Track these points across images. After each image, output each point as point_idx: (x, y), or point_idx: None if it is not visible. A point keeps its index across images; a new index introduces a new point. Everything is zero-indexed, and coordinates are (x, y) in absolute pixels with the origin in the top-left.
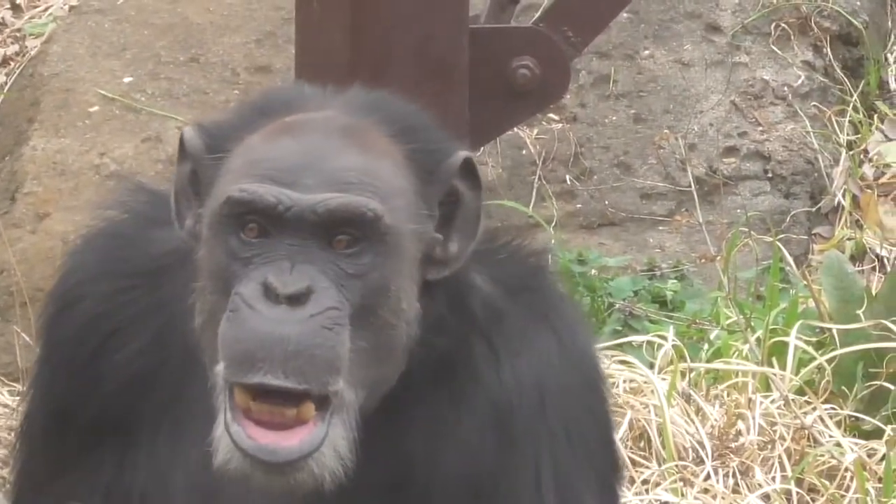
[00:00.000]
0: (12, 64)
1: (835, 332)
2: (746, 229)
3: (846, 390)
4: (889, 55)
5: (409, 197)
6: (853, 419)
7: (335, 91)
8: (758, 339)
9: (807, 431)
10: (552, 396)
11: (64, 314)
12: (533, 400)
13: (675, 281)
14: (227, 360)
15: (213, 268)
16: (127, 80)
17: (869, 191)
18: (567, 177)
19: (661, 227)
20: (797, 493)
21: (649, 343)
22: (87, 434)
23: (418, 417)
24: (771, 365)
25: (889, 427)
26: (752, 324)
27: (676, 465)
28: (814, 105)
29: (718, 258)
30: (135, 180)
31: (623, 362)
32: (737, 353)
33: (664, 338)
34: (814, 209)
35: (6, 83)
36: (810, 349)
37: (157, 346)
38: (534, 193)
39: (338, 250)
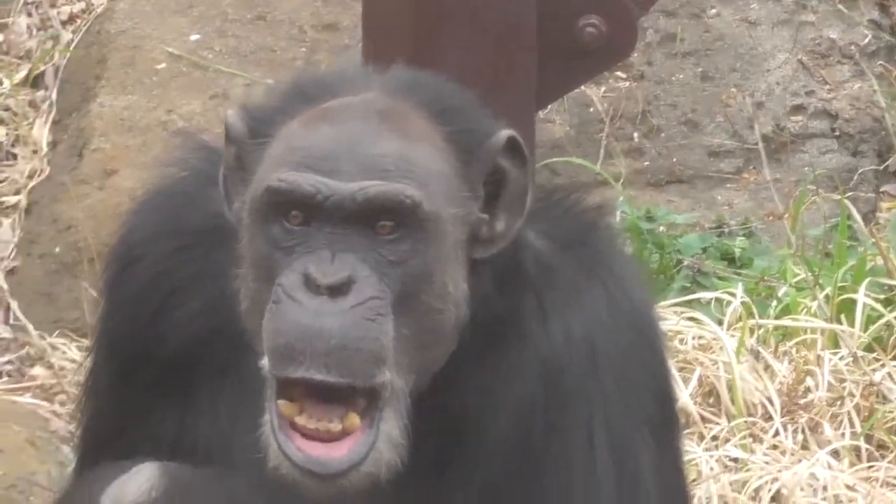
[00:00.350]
0: (79, 21)
1: None
2: (814, 187)
3: None
4: None
5: (450, 180)
6: None
7: (376, 72)
8: (826, 296)
9: (875, 388)
10: (604, 353)
11: (125, 273)
12: (583, 357)
13: (743, 238)
14: (270, 354)
15: (255, 256)
16: (194, 37)
17: None
18: (635, 134)
19: (728, 185)
20: (866, 449)
21: (718, 300)
22: (150, 392)
23: (467, 381)
24: (839, 322)
25: None
26: (821, 281)
27: (745, 422)
28: (880, 64)
29: (786, 216)
30: (196, 138)
31: (692, 319)
32: (805, 309)
33: (733, 294)
34: (881, 167)
35: (73, 40)
36: (878, 306)
37: (217, 307)
38: (602, 151)
39: (380, 236)
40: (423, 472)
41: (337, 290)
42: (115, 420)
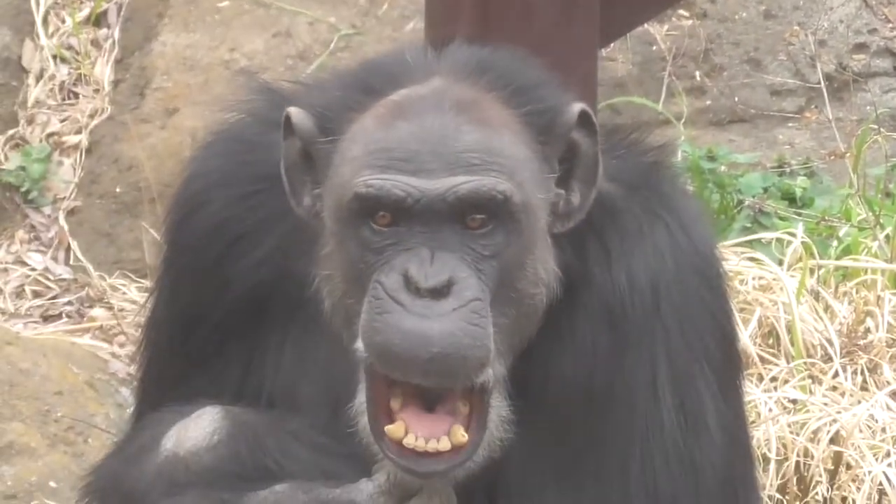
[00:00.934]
0: None
1: None
2: (876, 126)
3: None
4: None
5: (533, 165)
6: None
7: (437, 55)
8: (887, 236)
9: None
10: (666, 295)
11: (189, 219)
12: (646, 299)
13: (804, 178)
14: (369, 349)
15: (344, 258)
16: None
17: None
18: (697, 73)
19: (790, 124)
20: None
21: (779, 240)
22: (213, 338)
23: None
24: None
25: None
26: (882, 221)
27: (805, 363)
28: None
29: (848, 155)
30: (258, 80)
31: (752, 259)
32: (866, 250)
33: (793, 235)
34: None
35: None
36: None
37: (282, 254)
38: (664, 90)
39: (472, 230)
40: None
41: (438, 293)
42: (177, 365)
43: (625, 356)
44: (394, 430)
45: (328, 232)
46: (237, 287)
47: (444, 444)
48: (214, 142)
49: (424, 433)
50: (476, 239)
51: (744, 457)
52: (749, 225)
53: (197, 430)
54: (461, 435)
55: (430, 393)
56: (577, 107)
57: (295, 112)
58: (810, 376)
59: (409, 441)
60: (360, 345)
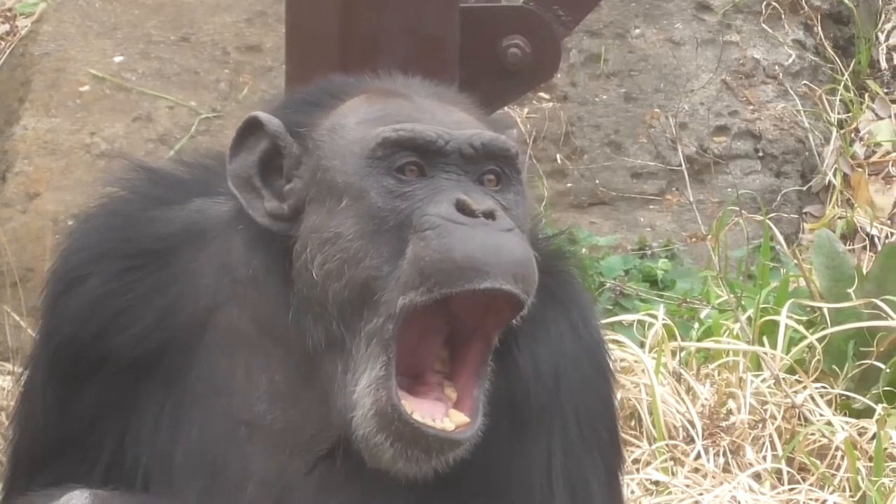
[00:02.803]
0: (3, 43)
1: (826, 310)
2: (737, 208)
3: (837, 369)
4: (880, 34)
5: None
6: (844, 398)
7: (372, 78)
8: (748, 318)
9: (797, 410)
10: (566, 384)
11: (68, 293)
12: (548, 385)
13: (665, 260)
14: (436, 275)
15: (362, 213)
16: (118, 59)
17: (860, 169)
18: (558, 156)
19: (651, 206)
20: (788, 472)
21: (640, 322)
22: (88, 413)
23: None
24: (762, 344)
25: (879, 406)
26: (743, 303)
27: (667, 445)
28: (804, 84)
29: (709, 237)
30: (134, 158)
31: (614, 341)
32: (727, 332)
33: (655, 317)
34: (804, 188)
35: None
36: (801, 328)
37: (162, 327)
38: (524, 172)
39: (488, 189)
40: (381, 498)
41: (490, 216)
42: (50, 443)
43: (524, 441)
44: (407, 405)
45: (330, 196)
46: (114, 363)
47: (448, 425)
48: (93, 216)
49: (428, 414)
50: (493, 194)
51: None
52: (610, 307)
53: None
54: (462, 416)
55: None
56: (514, 133)
57: (260, 115)
58: (673, 458)
59: (419, 418)
60: (391, 294)
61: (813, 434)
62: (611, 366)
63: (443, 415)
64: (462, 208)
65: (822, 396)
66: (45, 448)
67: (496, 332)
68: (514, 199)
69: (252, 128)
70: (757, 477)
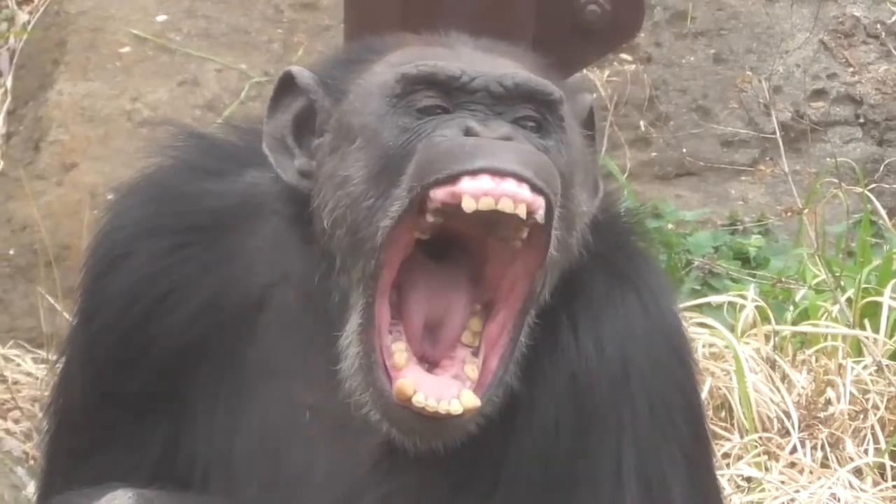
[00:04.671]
0: (36, 1)
1: None
2: (836, 179)
3: None
4: None
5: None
6: None
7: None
8: (848, 300)
9: None
10: (636, 371)
11: (109, 273)
12: (615, 373)
13: (758, 236)
14: (418, 171)
15: (374, 151)
16: (161, 18)
17: None
18: (641, 122)
19: (743, 178)
20: (891, 466)
21: (730, 304)
22: (134, 405)
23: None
24: (863, 327)
25: None
26: (843, 283)
27: (760, 437)
28: None
29: (805, 211)
30: (180, 124)
31: (702, 325)
32: (825, 314)
33: (746, 298)
34: None
35: (29, 22)
36: None
37: (214, 308)
38: (605, 140)
39: (523, 129)
40: (446, 488)
41: (506, 140)
42: (90, 439)
43: (589, 436)
44: (404, 385)
45: (347, 141)
46: (162, 349)
47: (456, 407)
48: (138, 189)
49: (434, 394)
50: (528, 133)
51: None
52: (698, 287)
53: None
54: (473, 399)
55: (435, 348)
56: (588, 97)
57: (294, 70)
58: (766, 452)
59: (419, 400)
60: (377, 224)
61: None
62: (689, 349)
63: (453, 395)
64: (470, 133)
65: None
66: (85, 441)
67: (528, 281)
68: (557, 147)
69: (287, 85)
70: (858, 472)
